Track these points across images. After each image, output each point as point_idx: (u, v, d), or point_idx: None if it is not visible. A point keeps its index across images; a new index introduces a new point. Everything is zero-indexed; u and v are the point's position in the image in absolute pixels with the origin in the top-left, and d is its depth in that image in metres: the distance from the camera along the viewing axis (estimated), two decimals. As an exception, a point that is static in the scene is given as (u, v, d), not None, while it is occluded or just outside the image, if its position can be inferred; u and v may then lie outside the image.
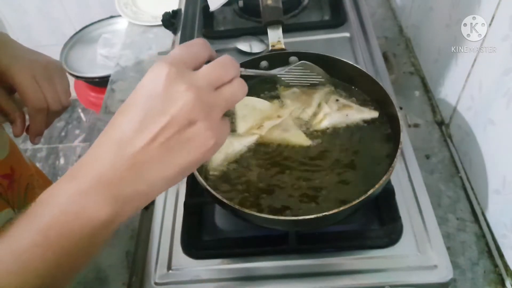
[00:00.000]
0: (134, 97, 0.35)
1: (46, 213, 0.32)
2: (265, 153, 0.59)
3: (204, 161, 0.38)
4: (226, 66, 0.37)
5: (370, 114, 0.61)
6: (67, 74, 1.67)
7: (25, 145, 2.14)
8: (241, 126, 0.62)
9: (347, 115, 0.61)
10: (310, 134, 0.60)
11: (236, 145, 0.60)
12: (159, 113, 0.33)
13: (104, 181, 0.33)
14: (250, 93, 0.42)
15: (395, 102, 0.58)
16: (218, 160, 0.58)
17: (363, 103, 0.63)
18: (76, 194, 0.32)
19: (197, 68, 0.37)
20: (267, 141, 0.60)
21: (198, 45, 0.38)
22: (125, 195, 0.33)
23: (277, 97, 0.66)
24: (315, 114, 0.62)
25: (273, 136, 0.61)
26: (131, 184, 0.33)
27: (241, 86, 0.38)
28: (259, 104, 0.64)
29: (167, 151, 0.34)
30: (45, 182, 0.79)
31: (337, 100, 0.63)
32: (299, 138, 0.60)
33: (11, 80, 0.56)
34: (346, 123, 0.60)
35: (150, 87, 0.34)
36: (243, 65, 0.45)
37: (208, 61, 0.39)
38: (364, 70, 0.64)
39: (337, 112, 0.61)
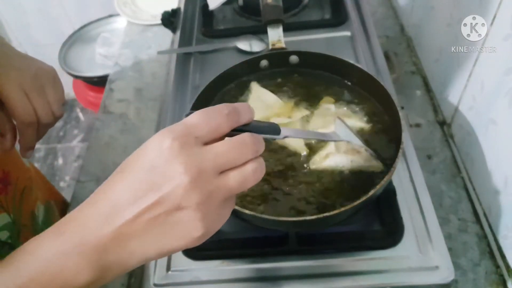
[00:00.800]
0: (135, 161, 0.33)
1: (29, 266, 0.32)
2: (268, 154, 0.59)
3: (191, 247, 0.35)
4: (243, 147, 0.33)
5: (377, 167, 0.56)
6: (66, 73, 1.67)
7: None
8: None
9: (351, 161, 0.57)
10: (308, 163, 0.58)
11: None
12: (152, 188, 0.31)
13: (87, 246, 0.32)
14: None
15: (396, 101, 0.58)
16: None
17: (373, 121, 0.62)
18: (59, 253, 0.32)
19: (214, 140, 0.34)
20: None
21: (223, 116, 0.34)
22: (106, 263, 0.32)
23: (295, 97, 0.65)
24: (318, 149, 0.59)
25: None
26: (114, 253, 0.32)
27: (254, 172, 0.34)
28: (272, 100, 0.64)
29: (152, 229, 0.32)
30: (44, 183, 0.78)
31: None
32: (297, 145, 0.59)
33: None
34: (348, 168, 0.56)
35: (151, 157, 0.32)
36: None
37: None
38: (365, 69, 0.64)
39: (342, 155, 0.57)
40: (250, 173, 0.34)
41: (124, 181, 0.32)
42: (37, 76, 0.55)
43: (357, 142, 0.55)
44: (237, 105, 0.36)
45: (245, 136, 0.34)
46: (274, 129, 0.41)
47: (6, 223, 0.55)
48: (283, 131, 0.41)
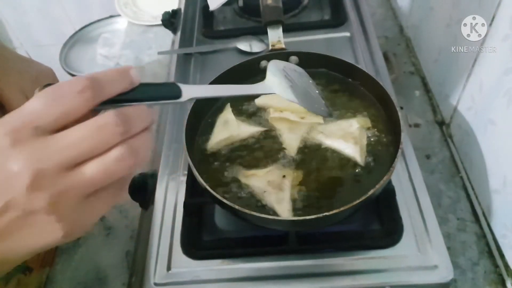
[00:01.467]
0: None
1: None
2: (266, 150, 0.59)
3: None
4: (103, 132, 0.27)
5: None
6: (67, 74, 1.67)
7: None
8: (262, 100, 0.64)
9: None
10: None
11: (243, 130, 0.61)
12: None
13: None
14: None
15: (395, 102, 0.58)
16: (220, 137, 0.60)
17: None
18: None
19: (72, 124, 0.28)
20: (271, 127, 0.61)
21: (74, 96, 0.27)
22: None
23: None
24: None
25: (277, 124, 0.61)
26: None
27: (119, 160, 0.28)
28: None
29: (10, 234, 0.29)
30: None
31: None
32: (291, 144, 0.59)
33: (1, 98, 0.53)
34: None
35: None
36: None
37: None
38: (365, 69, 0.64)
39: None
40: (115, 162, 0.28)
41: None
42: (38, 79, 0.55)
43: (290, 97, 0.46)
44: (101, 74, 0.29)
45: (106, 116, 0.28)
46: (172, 92, 0.34)
47: None
48: (186, 92, 0.34)
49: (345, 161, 0.56)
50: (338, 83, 0.66)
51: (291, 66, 0.49)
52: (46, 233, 0.29)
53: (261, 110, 0.64)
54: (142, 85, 0.32)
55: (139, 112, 0.30)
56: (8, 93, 0.52)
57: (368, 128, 0.59)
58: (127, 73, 0.31)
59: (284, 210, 0.52)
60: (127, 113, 0.29)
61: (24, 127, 0.27)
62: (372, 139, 0.59)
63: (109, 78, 0.30)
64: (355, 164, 0.56)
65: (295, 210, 0.52)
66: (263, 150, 0.59)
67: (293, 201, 0.53)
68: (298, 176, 0.55)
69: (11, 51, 0.58)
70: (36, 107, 0.28)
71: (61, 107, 0.27)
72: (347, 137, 0.57)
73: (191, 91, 0.35)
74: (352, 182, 0.55)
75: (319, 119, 0.61)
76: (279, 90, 0.45)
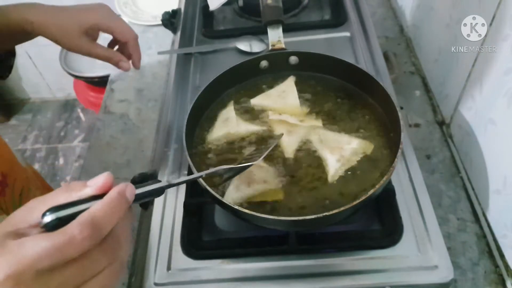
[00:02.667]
0: None
1: None
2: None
3: None
4: (94, 264, 0.31)
5: (368, 148, 0.57)
6: (67, 74, 1.67)
7: (24, 145, 2.14)
8: (259, 99, 0.65)
9: (337, 160, 0.56)
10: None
11: (242, 128, 0.61)
12: None
13: None
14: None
15: (395, 101, 0.58)
16: (218, 133, 0.61)
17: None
18: None
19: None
20: (270, 128, 0.62)
21: (74, 245, 0.30)
22: None
23: (315, 103, 0.65)
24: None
25: (276, 126, 0.62)
26: None
27: (116, 277, 0.32)
28: (292, 99, 0.64)
29: None
30: (42, 182, 0.79)
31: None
32: (289, 146, 0.59)
33: (109, 30, 0.66)
34: (343, 169, 0.56)
35: None
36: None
37: None
38: (365, 69, 0.64)
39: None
40: (110, 280, 0.32)
41: None
42: (108, 11, 0.67)
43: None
44: (98, 215, 0.31)
45: (96, 251, 0.31)
46: (157, 193, 0.39)
47: None
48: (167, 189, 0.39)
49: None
50: (347, 93, 0.66)
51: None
52: None
53: (265, 110, 0.65)
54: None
55: (111, 211, 0.32)
56: (113, 24, 0.65)
57: (365, 156, 0.57)
58: (125, 198, 0.33)
59: (228, 197, 0.53)
60: (115, 240, 0.32)
61: (27, 271, 0.29)
62: (362, 165, 0.57)
63: (109, 213, 0.31)
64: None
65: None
66: (258, 149, 0.59)
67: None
68: (277, 194, 0.55)
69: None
70: (39, 252, 0.29)
71: (61, 255, 0.30)
72: (335, 151, 0.57)
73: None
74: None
75: (318, 123, 0.62)
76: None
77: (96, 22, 0.64)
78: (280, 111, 0.63)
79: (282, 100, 0.65)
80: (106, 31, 0.67)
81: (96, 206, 0.32)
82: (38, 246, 0.29)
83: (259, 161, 0.49)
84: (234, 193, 0.54)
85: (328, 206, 0.53)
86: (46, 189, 0.79)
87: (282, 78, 0.69)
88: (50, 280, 0.30)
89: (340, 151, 0.57)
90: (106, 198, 0.32)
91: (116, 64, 0.68)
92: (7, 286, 0.29)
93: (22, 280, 0.29)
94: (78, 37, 0.63)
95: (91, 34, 0.66)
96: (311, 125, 0.61)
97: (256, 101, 0.66)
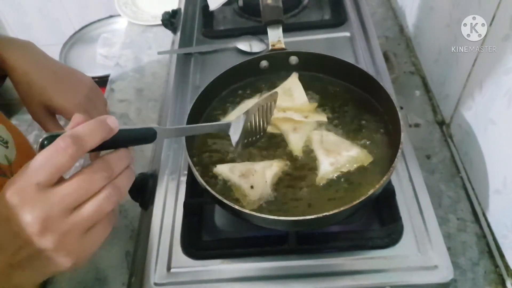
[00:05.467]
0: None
1: None
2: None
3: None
4: (91, 180, 0.35)
5: (365, 159, 0.56)
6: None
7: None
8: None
9: (331, 164, 0.56)
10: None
11: None
12: (14, 236, 0.34)
13: None
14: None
15: (395, 102, 0.58)
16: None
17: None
18: None
19: (60, 178, 0.35)
20: (274, 125, 0.61)
21: (61, 154, 0.34)
22: None
23: (322, 99, 0.65)
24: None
25: (281, 125, 0.61)
26: (7, 282, 0.36)
27: (108, 197, 0.35)
28: (298, 95, 0.64)
29: (29, 264, 0.36)
30: None
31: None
32: (296, 144, 0.59)
33: (63, 115, 0.62)
34: (336, 174, 0.56)
35: (4, 210, 0.34)
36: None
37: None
38: (365, 69, 0.64)
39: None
40: (104, 200, 0.35)
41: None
42: (89, 95, 0.64)
43: (233, 141, 0.51)
44: (82, 130, 0.35)
45: (94, 167, 0.35)
46: (147, 136, 0.40)
47: None
48: (161, 135, 0.41)
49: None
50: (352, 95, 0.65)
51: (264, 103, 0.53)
52: (56, 264, 0.35)
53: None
54: (121, 130, 0.38)
55: (120, 155, 0.37)
56: (71, 110, 0.60)
57: (362, 166, 0.56)
58: (105, 123, 0.36)
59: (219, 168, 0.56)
60: (110, 160, 0.36)
61: (27, 186, 0.34)
62: (356, 173, 0.57)
63: (89, 131, 0.35)
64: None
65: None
66: (262, 150, 0.59)
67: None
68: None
69: (53, 62, 0.64)
70: (34, 167, 0.34)
71: (52, 165, 0.34)
72: (332, 154, 0.57)
73: (164, 133, 0.43)
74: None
75: (323, 117, 0.62)
76: (233, 135, 0.51)
77: (61, 109, 0.61)
78: (288, 108, 0.63)
79: (289, 97, 0.64)
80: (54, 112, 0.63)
81: (77, 127, 0.36)
82: (34, 161, 0.34)
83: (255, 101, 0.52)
84: (227, 171, 0.56)
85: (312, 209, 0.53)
86: None
87: (282, 78, 0.69)
88: (51, 196, 0.34)
89: (336, 156, 0.56)
90: (87, 122, 0.36)
91: None
92: (13, 201, 0.34)
93: (25, 194, 0.34)
94: (38, 105, 0.61)
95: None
96: (316, 121, 0.61)
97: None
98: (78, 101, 0.61)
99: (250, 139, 0.54)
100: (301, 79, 0.67)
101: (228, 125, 0.51)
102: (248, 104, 0.65)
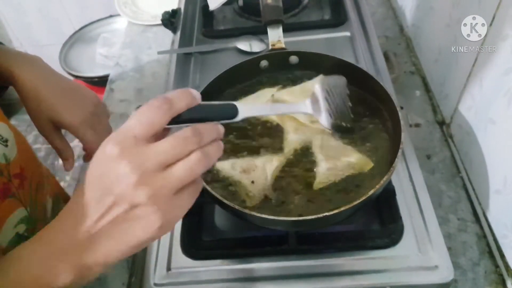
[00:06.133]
0: (89, 173, 0.37)
1: (14, 269, 0.37)
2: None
3: (158, 238, 0.39)
4: (184, 141, 0.36)
5: (364, 166, 0.56)
6: (67, 74, 1.68)
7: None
8: (282, 93, 0.64)
9: (328, 169, 0.55)
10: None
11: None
12: (106, 193, 0.35)
13: (65, 251, 0.36)
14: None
15: (395, 101, 0.58)
16: None
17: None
18: (42, 257, 0.37)
19: (157, 135, 0.36)
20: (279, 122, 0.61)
21: (153, 110, 0.36)
22: (84, 264, 0.36)
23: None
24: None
25: (285, 121, 0.62)
26: (89, 255, 0.36)
27: (199, 160, 0.36)
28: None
29: (116, 228, 0.36)
30: (53, 180, 0.80)
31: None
32: (289, 145, 0.59)
33: (70, 130, 0.63)
34: (332, 179, 0.55)
35: (99, 165, 0.36)
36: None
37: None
38: (365, 69, 0.64)
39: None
40: (195, 162, 0.36)
41: (85, 193, 0.36)
42: (95, 110, 0.64)
43: (322, 121, 0.54)
44: (170, 94, 0.37)
45: (186, 130, 0.36)
46: (229, 112, 0.41)
47: (23, 216, 0.56)
48: (242, 112, 0.42)
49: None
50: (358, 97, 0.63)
51: (333, 81, 0.56)
52: (146, 223, 0.35)
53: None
54: (205, 105, 0.40)
55: (209, 127, 0.38)
56: (77, 126, 0.62)
57: (360, 171, 0.55)
58: (189, 91, 0.38)
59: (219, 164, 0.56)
60: (200, 128, 0.37)
61: (126, 138, 0.35)
62: (372, 139, 0.58)
63: (176, 95, 0.37)
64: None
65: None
66: (259, 142, 0.60)
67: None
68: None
69: (67, 81, 0.65)
70: (131, 122, 0.36)
71: (148, 119, 0.36)
72: (331, 160, 0.55)
73: (246, 111, 0.42)
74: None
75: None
76: (316, 113, 0.53)
77: (69, 125, 0.62)
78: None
79: (305, 98, 0.63)
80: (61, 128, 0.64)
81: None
82: (130, 117, 0.36)
83: None
84: (229, 167, 0.56)
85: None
86: (57, 186, 0.79)
87: (283, 78, 0.68)
88: (147, 149, 0.35)
89: (335, 161, 0.56)
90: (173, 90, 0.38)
91: (61, 158, 0.67)
92: (114, 152, 0.35)
93: (124, 145, 0.35)
94: (46, 121, 0.62)
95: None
96: (319, 128, 0.59)
97: (279, 95, 0.65)
98: (84, 117, 0.63)
99: (340, 121, 0.55)
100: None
101: (305, 104, 0.52)
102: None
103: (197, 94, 0.39)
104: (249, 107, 0.43)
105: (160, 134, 0.37)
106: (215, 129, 0.39)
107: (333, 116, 0.54)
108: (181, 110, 0.37)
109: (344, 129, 0.56)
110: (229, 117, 0.41)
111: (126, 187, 0.34)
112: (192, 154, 0.36)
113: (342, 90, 0.55)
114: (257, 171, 0.55)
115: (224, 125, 0.40)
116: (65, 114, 0.62)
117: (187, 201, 0.37)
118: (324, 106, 0.54)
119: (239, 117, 0.42)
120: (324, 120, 0.54)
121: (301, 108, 0.53)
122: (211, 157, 0.38)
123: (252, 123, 0.62)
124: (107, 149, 0.35)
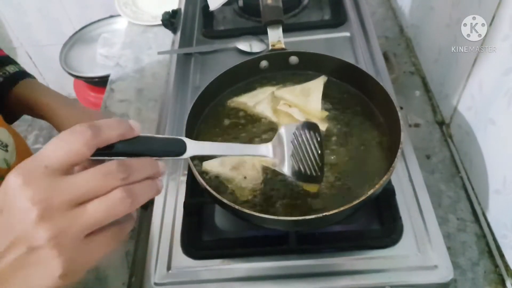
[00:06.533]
0: None
1: None
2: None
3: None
4: (106, 176, 0.31)
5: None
6: (67, 74, 1.67)
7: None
8: (282, 91, 0.65)
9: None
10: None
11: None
12: (6, 231, 0.30)
13: None
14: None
15: (395, 102, 0.58)
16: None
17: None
18: None
19: (82, 166, 0.32)
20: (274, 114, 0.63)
21: (76, 139, 0.31)
22: None
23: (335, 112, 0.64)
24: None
25: (280, 117, 0.63)
26: None
27: (122, 199, 0.31)
28: (314, 98, 0.64)
29: (13, 274, 0.31)
30: None
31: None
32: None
33: None
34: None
35: (1, 199, 0.31)
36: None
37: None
38: (365, 69, 0.64)
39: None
40: (115, 202, 0.31)
41: None
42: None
43: (284, 168, 0.47)
44: (99, 121, 0.32)
45: (111, 163, 0.31)
46: (174, 148, 0.36)
47: None
48: (191, 150, 0.37)
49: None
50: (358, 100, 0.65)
51: (304, 125, 0.49)
52: (44, 271, 0.30)
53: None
54: (146, 138, 0.34)
55: (142, 162, 0.33)
56: None
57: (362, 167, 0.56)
58: (125, 121, 0.33)
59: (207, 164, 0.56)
60: (129, 163, 0.32)
61: (36, 167, 0.30)
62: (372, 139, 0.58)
63: (106, 124, 0.32)
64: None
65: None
66: (249, 135, 0.61)
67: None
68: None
69: (96, 112, 0.69)
70: (46, 149, 0.31)
71: (65, 148, 0.31)
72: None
73: (196, 149, 0.37)
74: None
75: (323, 127, 0.60)
76: (277, 158, 0.47)
77: None
78: (296, 105, 0.63)
79: (304, 97, 0.64)
80: None
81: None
82: (46, 144, 0.31)
83: None
84: (218, 166, 0.57)
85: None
86: None
87: (283, 78, 0.69)
88: (57, 182, 0.30)
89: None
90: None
91: None
92: (16, 182, 0.30)
93: (30, 175, 0.30)
94: None
95: None
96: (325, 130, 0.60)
97: (279, 93, 0.66)
98: None
99: (305, 169, 0.47)
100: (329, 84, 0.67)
101: (267, 147, 0.47)
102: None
103: (136, 126, 0.34)
104: (200, 145, 0.38)
105: (89, 167, 0.32)
106: (151, 165, 0.33)
107: (298, 163, 0.48)
108: (110, 141, 0.32)
109: (310, 178, 0.48)
110: (174, 154, 0.37)
111: (26, 225, 0.29)
112: (112, 192, 0.31)
113: (313, 136, 0.48)
114: (247, 166, 0.56)
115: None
116: None
117: (102, 247, 0.32)
118: (288, 151, 0.48)
119: (187, 155, 0.37)
120: (285, 167, 0.48)
121: (261, 151, 0.47)
122: (137, 197, 0.32)
123: (244, 116, 0.64)
124: (10, 178, 0.30)
